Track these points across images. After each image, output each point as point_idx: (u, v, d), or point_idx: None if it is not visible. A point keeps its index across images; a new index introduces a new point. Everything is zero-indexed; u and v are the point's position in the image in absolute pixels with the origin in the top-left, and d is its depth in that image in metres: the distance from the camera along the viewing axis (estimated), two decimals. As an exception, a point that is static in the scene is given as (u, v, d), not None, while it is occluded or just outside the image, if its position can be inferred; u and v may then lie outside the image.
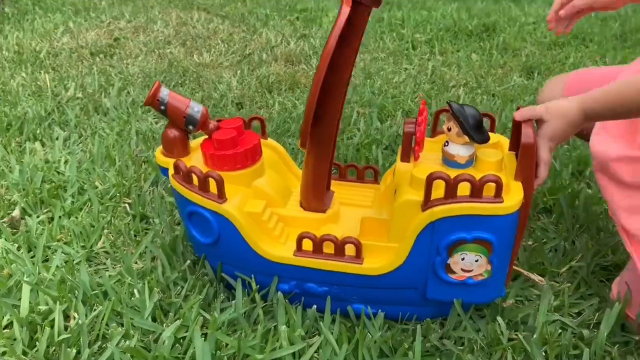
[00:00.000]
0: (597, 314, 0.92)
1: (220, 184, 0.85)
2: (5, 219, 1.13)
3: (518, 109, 0.86)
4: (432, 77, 2.01)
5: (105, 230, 1.11)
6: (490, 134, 0.93)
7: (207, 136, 0.95)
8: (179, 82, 1.92)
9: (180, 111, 0.91)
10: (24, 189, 1.22)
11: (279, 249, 0.88)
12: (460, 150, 0.84)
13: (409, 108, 1.72)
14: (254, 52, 2.29)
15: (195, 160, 0.95)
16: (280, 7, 3.03)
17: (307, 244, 0.87)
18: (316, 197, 0.93)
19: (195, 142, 0.99)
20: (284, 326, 0.84)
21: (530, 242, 1.09)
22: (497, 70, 2.10)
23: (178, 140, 0.94)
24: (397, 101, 1.77)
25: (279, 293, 0.88)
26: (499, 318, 0.88)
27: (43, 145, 1.46)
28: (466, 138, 0.83)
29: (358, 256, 0.86)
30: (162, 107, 0.91)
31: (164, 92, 0.91)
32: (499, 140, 0.92)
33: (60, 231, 1.10)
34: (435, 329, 0.88)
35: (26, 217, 1.14)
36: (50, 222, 1.13)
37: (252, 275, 0.90)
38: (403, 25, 2.66)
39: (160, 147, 0.96)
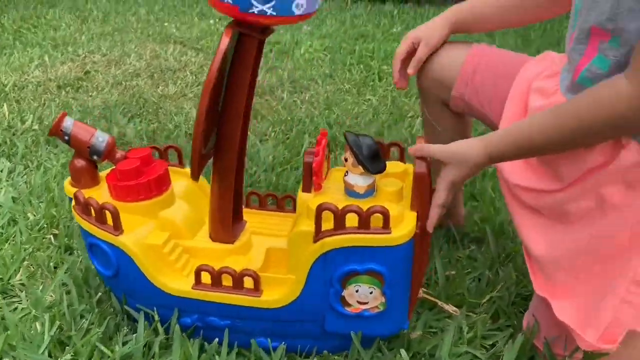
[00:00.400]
0: (507, 345, 0.90)
1: (115, 215, 0.84)
2: None
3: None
4: (390, 108, 2.01)
5: (26, 262, 1.10)
6: (397, 163, 0.93)
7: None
8: (137, 113, 1.93)
9: (84, 141, 0.91)
10: (-48, 221, 1.22)
11: (178, 282, 0.87)
12: (358, 180, 0.84)
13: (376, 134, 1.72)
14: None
15: (104, 190, 0.94)
16: (255, 39, 3.06)
17: (207, 277, 0.86)
18: (223, 227, 0.92)
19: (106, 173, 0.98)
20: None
21: (453, 272, 1.07)
22: (458, 100, 2.10)
23: (85, 170, 0.94)
24: (357, 130, 1.77)
25: (177, 326, 0.87)
26: (402, 350, 0.86)
27: (-14, 177, 1.46)
28: (361, 168, 0.82)
29: (256, 289, 0.85)
30: (66, 137, 0.91)
31: (68, 122, 0.91)
32: (406, 169, 0.92)
33: (-21, 263, 1.09)
34: (337, 363, 0.86)
35: (-52, 249, 1.14)
36: (-28, 255, 1.12)
37: (155, 309, 0.89)
38: (372, 57, 2.68)
39: (69, 177, 0.96)
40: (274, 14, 0.69)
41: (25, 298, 1.01)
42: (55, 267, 1.09)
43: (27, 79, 2.32)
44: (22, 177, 1.46)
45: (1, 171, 1.47)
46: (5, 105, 1.97)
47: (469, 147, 0.79)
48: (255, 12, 0.69)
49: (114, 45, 2.94)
